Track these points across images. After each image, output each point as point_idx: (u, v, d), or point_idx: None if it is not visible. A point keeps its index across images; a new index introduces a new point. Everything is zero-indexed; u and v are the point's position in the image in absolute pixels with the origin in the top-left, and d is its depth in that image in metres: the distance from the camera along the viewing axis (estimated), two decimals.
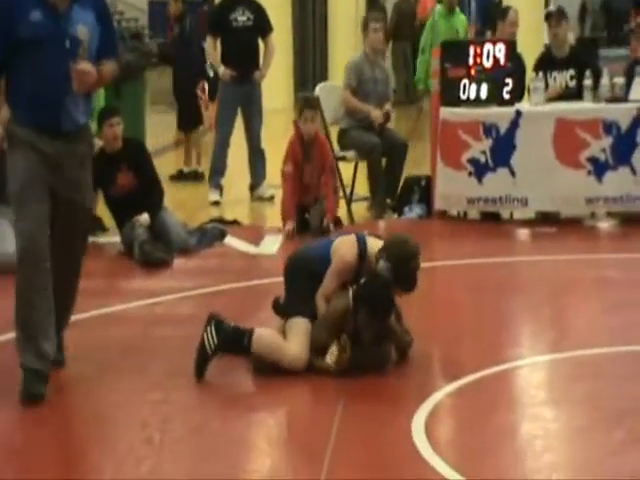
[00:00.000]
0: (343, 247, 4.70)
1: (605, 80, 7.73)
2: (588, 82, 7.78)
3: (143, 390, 4.50)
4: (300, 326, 4.59)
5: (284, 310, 4.76)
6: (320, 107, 8.20)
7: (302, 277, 4.70)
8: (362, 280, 4.59)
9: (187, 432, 4.08)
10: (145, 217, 7.02)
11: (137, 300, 5.96)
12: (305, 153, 7.55)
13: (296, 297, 4.69)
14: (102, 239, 7.47)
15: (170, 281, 6.48)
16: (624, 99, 7.68)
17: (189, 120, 10.11)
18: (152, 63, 11.42)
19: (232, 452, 3.89)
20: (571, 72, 8.08)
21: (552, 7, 8.89)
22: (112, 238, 7.35)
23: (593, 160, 7.61)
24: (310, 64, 18.09)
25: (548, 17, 8.28)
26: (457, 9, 9.91)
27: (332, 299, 4.62)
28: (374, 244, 4.69)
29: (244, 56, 8.75)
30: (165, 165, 10.98)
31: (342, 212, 8.05)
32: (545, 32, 9.56)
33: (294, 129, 7.61)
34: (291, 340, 4.57)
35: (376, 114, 8.08)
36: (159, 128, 11.78)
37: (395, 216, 8.14)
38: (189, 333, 5.36)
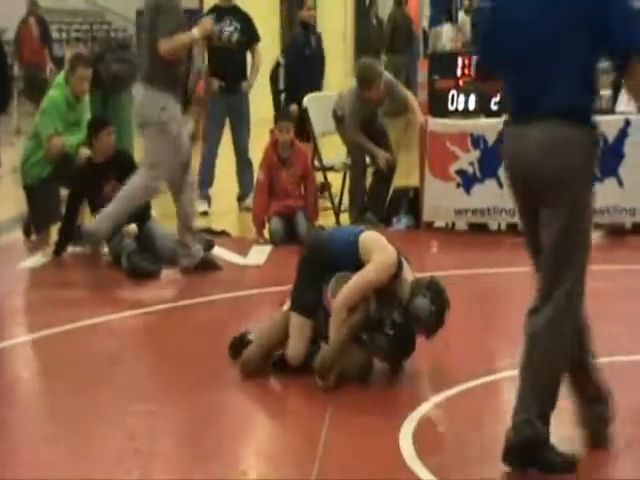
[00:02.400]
0: (386, 258, 4.52)
1: None
2: None
3: (130, 401, 4.49)
4: (299, 328, 4.58)
5: (291, 294, 4.71)
6: (309, 118, 8.23)
7: (316, 266, 4.62)
8: (403, 313, 4.51)
9: (176, 443, 4.07)
10: (133, 228, 7.01)
11: (125, 311, 5.95)
12: (281, 160, 7.61)
13: (303, 285, 4.63)
14: (89, 249, 7.45)
15: (158, 292, 6.47)
16: (611, 111, 7.73)
17: None
18: None
19: (221, 462, 3.88)
20: None
21: None
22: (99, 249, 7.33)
23: None
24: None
25: None
26: None
27: (351, 312, 4.47)
28: (407, 268, 4.63)
29: (231, 67, 8.76)
30: None
31: (330, 222, 8.07)
32: None
33: (270, 136, 7.68)
34: (290, 339, 4.58)
35: (382, 160, 8.04)
36: None
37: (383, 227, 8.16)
38: (177, 344, 5.37)
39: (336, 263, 4.58)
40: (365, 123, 8.07)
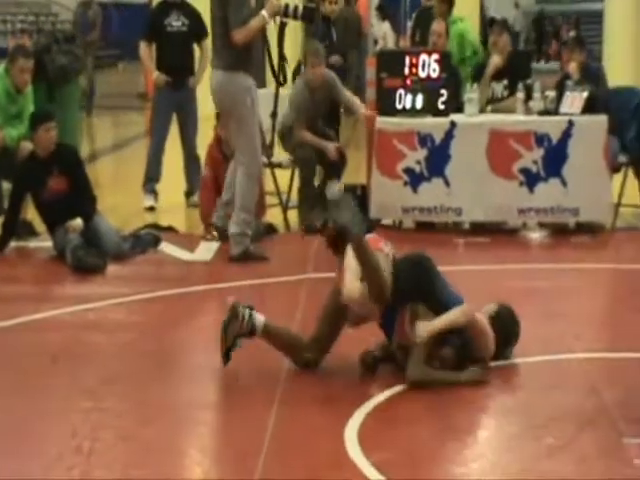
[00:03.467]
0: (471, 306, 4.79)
1: (537, 93, 7.87)
2: (520, 94, 7.91)
3: (74, 397, 4.45)
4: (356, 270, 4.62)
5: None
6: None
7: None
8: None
9: (118, 439, 4.04)
10: (78, 222, 6.94)
11: (69, 306, 5.89)
12: (225, 157, 7.61)
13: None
14: (33, 244, 7.37)
15: (103, 287, 6.41)
16: (555, 112, 7.82)
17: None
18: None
19: (163, 459, 3.86)
20: (504, 82, 8.23)
21: (497, 16, 8.97)
22: (44, 243, 7.25)
23: (525, 171, 7.73)
24: None
25: (492, 24, 8.39)
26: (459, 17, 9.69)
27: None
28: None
29: (178, 62, 8.70)
30: (102, 169, 10.90)
31: (278, 219, 8.06)
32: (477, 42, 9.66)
33: (214, 134, 7.68)
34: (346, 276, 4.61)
35: (331, 152, 8.07)
36: (94, 132, 11.68)
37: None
38: (121, 340, 5.33)
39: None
40: (313, 117, 8.10)
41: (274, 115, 8.17)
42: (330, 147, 8.11)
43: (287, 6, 7.33)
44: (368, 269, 4.51)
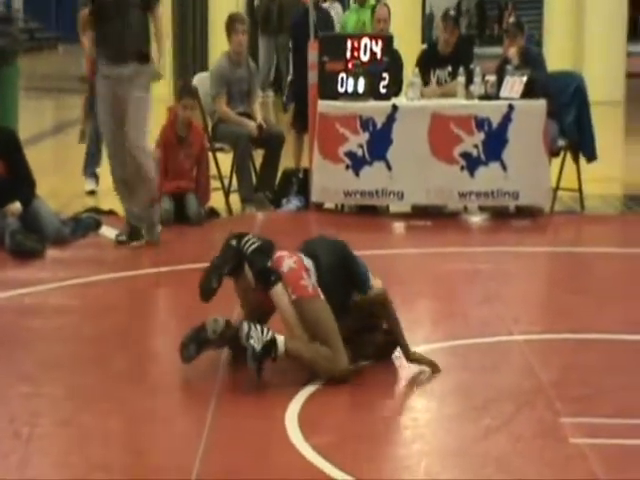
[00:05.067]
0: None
1: (478, 78, 7.93)
2: (461, 79, 7.96)
3: (12, 383, 4.40)
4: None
5: None
6: (199, 97, 8.15)
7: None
8: None
9: (56, 425, 4.01)
10: (17, 206, 6.86)
11: (7, 290, 5.82)
12: (179, 139, 7.55)
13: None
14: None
15: (42, 271, 6.34)
16: (496, 96, 7.89)
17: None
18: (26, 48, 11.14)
19: (102, 445, 3.84)
20: (449, 69, 8.27)
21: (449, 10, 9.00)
22: None
23: (466, 155, 7.80)
24: (190, 53, 17.89)
25: (445, 17, 8.42)
26: (371, 2, 9.71)
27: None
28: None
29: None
30: (42, 152, 10.74)
31: (220, 203, 8.03)
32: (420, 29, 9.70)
33: (168, 115, 7.60)
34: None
35: (252, 129, 8.04)
36: (33, 115, 11.51)
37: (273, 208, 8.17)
38: (60, 324, 5.28)
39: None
40: (235, 92, 8.12)
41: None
42: (251, 125, 8.06)
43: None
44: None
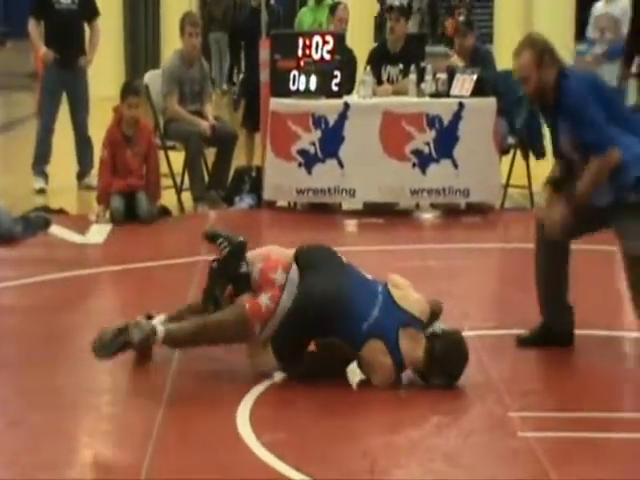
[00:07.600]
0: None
1: (429, 76, 7.98)
2: (413, 77, 8.00)
3: None
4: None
5: None
6: (150, 96, 8.11)
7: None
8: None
9: (6, 425, 3.97)
10: None
11: None
12: (126, 138, 7.51)
13: None
14: None
15: None
16: (446, 94, 7.94)
17: None
18: None
19: (52, 444, 3.81)
20: (400, 66, 8.30)
21: (396, 2, 9.04)
22: None
23: (417, 153, 7.84)
24: (142, 51, 17.79)
25: (390, 10, 8.45)
26: (328, 1, 9.73)
27: None
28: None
29: (67, 40, 8.53)
30: None
31: (172, 202, 8.00)
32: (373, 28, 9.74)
33: (113, 114, 7.57)
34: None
35: (204, 128, 8.01)
36: None
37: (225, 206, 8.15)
38: (10, 324, 5.23)
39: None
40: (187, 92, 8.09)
41: None
42: (203, 124, 8.04)
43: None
44: None
